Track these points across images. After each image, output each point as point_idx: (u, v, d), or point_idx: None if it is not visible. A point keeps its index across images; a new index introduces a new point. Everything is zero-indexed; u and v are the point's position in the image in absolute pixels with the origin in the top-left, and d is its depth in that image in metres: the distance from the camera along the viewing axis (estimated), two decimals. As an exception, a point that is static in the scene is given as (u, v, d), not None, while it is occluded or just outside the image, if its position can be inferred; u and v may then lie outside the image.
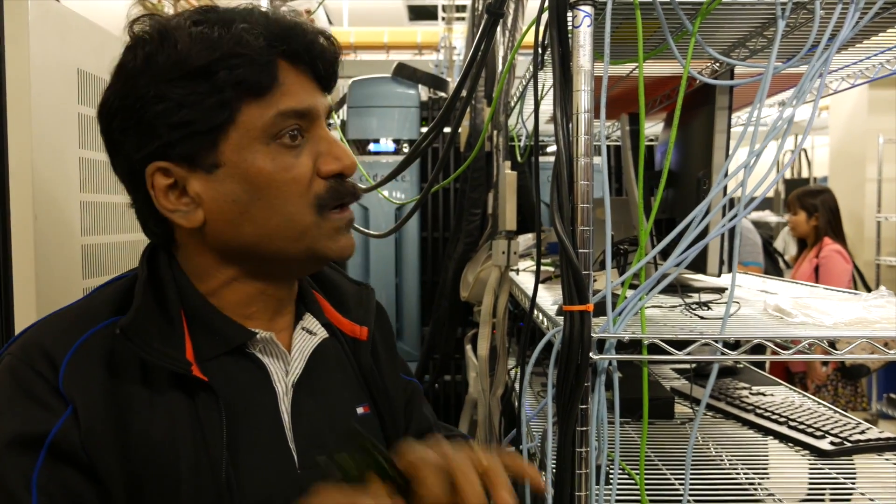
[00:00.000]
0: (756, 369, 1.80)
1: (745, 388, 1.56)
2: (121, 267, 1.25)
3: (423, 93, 2.90)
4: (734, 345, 0.91)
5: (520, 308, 2.06)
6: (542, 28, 0.98)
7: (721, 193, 0.95)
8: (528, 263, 2.00)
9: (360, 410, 0.83)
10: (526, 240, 1.92)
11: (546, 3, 0.90)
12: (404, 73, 2.78)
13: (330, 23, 5.50)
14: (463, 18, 4.57)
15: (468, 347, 2.26)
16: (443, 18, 4.40)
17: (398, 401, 0.91)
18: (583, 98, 0.87)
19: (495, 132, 2.07)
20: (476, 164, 2.13)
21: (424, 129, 2.79)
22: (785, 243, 5.29)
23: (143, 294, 0.71)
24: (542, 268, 1.95)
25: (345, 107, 2.83)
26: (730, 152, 1.21)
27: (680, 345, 0.91)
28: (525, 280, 1.67)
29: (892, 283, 4.76)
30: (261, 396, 0.74)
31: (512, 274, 1.77)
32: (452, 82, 3.13)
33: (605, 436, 0.91)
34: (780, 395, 1.54)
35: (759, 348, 0.93)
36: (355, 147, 2.82)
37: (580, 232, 0.89)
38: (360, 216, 2.70)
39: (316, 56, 0.74)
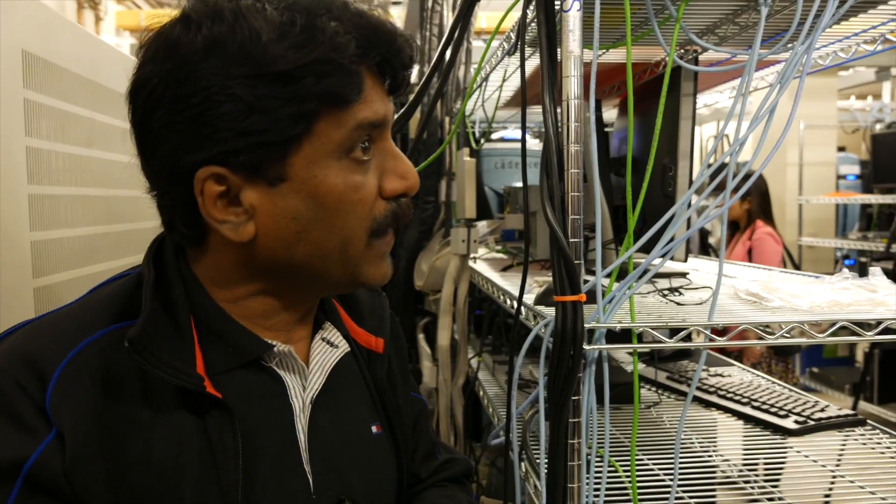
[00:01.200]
0: (710, 351, 1.85)
1: (704, 370, 1.60)
2: (78, 263, 1.16)
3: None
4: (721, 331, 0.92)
5: (477, 296, 2.05)
6: (519, 13, 0.96)
7: (706, 181, 0.96)
8: (483, 251, 1.99)
9: (373, 430, 0.78)
10: (483, 226, 1.90)
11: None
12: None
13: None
14: (399, 2, 4.51)
15: (420, 337, 2.23)
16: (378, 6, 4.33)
17: (408, 419, 0.87)
18: (573, 84, 0.86)
19: (447, 119, 2.04)
20: (428, 151, 2.10)
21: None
22: (712, 226, 5.48)
23: (153, 300, 0.64)
24: (498, 255, 1.95)
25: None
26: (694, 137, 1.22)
27: (668, 333, 0.91)
28: (484, 268, 1.66)
29: (813, 263, 5.00)
30: (276, 413, 0.68)
31: (470, 262, 1.75)
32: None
33: (596, 427, 0.91)
34: (737, 376, 1.58)
35: (742, 333, 0.94)
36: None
37: (571, 220, 0.87)
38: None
39: (401, 65, 0.66)
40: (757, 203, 3.55)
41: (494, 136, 2.73)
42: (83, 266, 1.16)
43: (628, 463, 1.08)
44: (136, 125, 0.63)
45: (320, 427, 0.71)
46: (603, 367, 0.91)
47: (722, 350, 3.43)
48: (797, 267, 3.83)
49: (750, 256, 3.44)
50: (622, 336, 0.95)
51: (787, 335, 0.93)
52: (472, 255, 1.74)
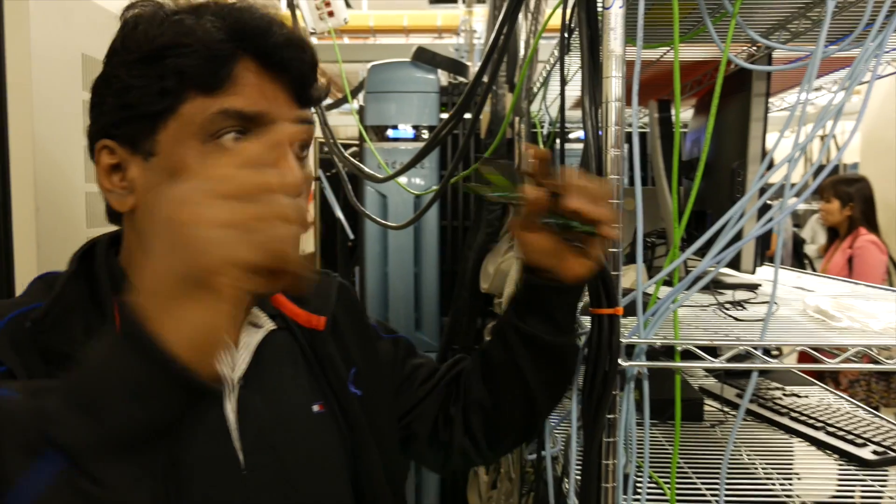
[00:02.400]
0: (795, 367, 1.73)
1: (777, 389, 1.50)
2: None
3: (443, 78, 2.83)
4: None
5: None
6: (569, 9, 0.92)
7: (759, 188, 0.89)
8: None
9: (315, 408, 0.78)
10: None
11: (574, -17, 0.84)
12: (424, 58, 2.71)
13: (349, 6, 5.45)
14: (483, 1, 4.49)
15: (487, 339, 2.20)
16: (463, 1, 4.31)
17: (379, 377, 0.87)
18: (613, 85, 0.81)
19: (517, 119, 2.00)
20: (498, 152, 2.07)
21: (444, 116, 2.72)
22: (813, 232, 5.17)
23: (64, 285, 0.69)
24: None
25: (363, 92, 2.77)
26: (766, 140, 1.14)
27: (715, 350, 0.85)
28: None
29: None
30: None
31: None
32: (473, 67, 3.06)
33: (634, 442, 0.86)
34: (815, 397, 1.47)
35: (800, 355, 0.86)
36: (373, 133, 2.76)
37: (609, 229, 0.83)
38: (378, 205, 2.64)
39: (286, 62, 0.69)
40: (860, 209, 3.31)
41: (572, 135, 2.66)
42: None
43: (677, 485, 1.02)
44: None
45: (251, 406, 0.72)
46: (644, 386, 0.86)
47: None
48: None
49: (850, 265, 3.21)
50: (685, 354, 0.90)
51: (854, 359, 0.85)
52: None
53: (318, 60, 0.73)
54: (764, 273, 1.61)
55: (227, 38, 0.67)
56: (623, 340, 0.82)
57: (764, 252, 1.46)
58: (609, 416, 0.83)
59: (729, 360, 0.84)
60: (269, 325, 0.78)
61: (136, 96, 0.67)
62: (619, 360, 0.82)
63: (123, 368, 0.47)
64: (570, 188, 0.72)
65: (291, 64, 0.70)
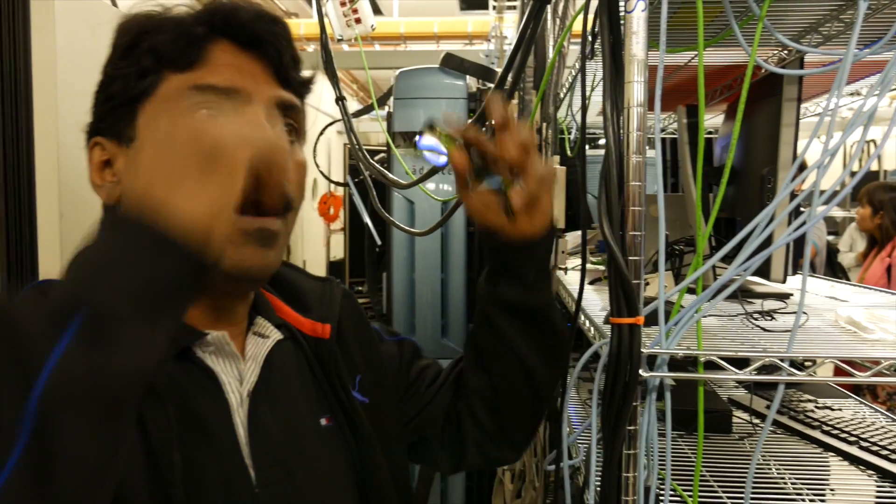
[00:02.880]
0: (824, 380, 1.68)
1: (810, 401, 1.46)
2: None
3: (472, 83, 2.82)
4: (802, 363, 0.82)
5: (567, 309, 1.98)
6: (591, 14, 0.90)
7: (789, 193, 0.86)
8: (577, 262, 1.91)
9: (322, 422, 0.76)
10: (575, 237, 1.83)
11: (596, -14, 0.83)
12: (452, 64, 2.71)
13: (379, 13, 5.47)
14: (514, 7, 4.47)
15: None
16: (493, 7, 4.30)
17: (384, 382, 0.86)
18: (636, 90, 0.79)
19: (544, 125, 1.98)
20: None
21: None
22: (852, 240, 5.04)
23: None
24: (592, 267, 1.87)
25: (391, 99, 2.78)
26: (799, 146, 1.11)
27: (741, 362, 0.83)
28: (573, 280, 1.59)
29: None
30: (213, 407, 0.67)
31: (560, 273, 1.69)
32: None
33: (656, 453, 0.84)
34: (850, 410, 1.42)
35: (836, 368, 0.83)
36: (402, 139, 2.76)
37: (631, 237, 0.81)
38: (406, 211, 2.64)
39: (258, 36, 0.70)
40: (890, 218, 3.22)
41: (601, 141, 2.64)
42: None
43: (702, 498, 1.00)
44: None
45: (261, 420, 0.70)
46: (666, 397, 0.84)
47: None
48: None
49: (889, 275, 3.12)
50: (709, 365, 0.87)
51: (887, 372, 0.81)
52: (560, 267, 1.68)
53: (294, 36, 0.75)
54: (795, 282, 1.58)
55: (199, 20, 0.69)
56: (644, 351, 0.80)
57: (796, 261, 1.43)
58: (630, 428, 0.81)
59: (755, 372, 0.82)
60: (275, 335, 0.77)
61: (118, 85, 0.68)
62: (640, 371, 0.80)
63: (119, 243, 0.48)
64: (483, 141, 0.74)
65: (264, 38, 0.70)
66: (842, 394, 1.57)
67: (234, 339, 0.72)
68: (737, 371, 0.81)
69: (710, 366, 0.84)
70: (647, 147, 0.82)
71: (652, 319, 0.83)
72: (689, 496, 0.96)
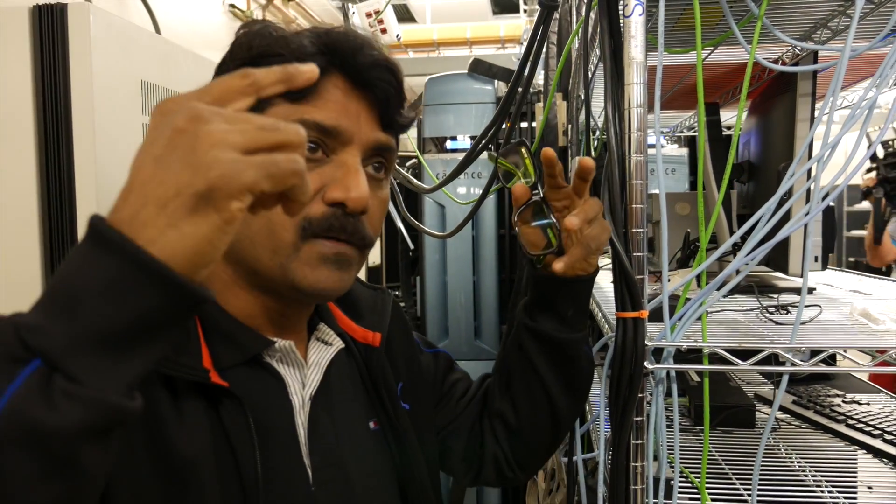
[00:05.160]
0: (854, 375, 1.66)
1: (837, 396, 1.45)
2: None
3: (501, 88, 2.85)
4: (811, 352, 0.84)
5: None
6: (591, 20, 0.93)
7: (802, 186, 0.88)
8: (606, 261, 1.92)
9: (371, 425, 0.80)
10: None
11: (596, -7, 0.86)
12: (480, 69, 2.74)
13: (414, 20, 5.53)
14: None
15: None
16: (524, 11, 4.32)
17: (423, 391, 0.89)
18: (635, 92, 0.82)
19: (569, 127, 2.00)
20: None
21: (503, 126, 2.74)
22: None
23: None
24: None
25: (422, 105, 2.82)
26: (806, 141, 1.12)
27: (747, 353, 0.85)
28: (602, 279, 1.61)
29: None
30: (278, 409, 0.71)
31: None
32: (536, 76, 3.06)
33: (664, 445, 0.86)
34: (878, 404, 1.41)
35: (836, 357, 0.85)
36: (433, 144, 2.81)
37: (633, 234, 0.84)
38: (436, 214, 2.68)
39: (372, 82, 0.70)
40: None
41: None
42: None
43: (721, 491, 1.01)
44: None
45: (320, 423, 0.73)
46: (672, 388, 0.87)
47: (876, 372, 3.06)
48: None
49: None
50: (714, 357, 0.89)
51: (892, 360, 0.82)
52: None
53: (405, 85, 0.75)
54: (820, 276, 1.57)
55: (318, 52, 0.69)
56: (649, 343, 0.83)
57: (826, 255, 1.42)
58: (637, 419, 0.83)
59: (760, 363, 0.84)
60: (337, 342, 0.80)
61: None
62: (647, 363, 0.83)
63: (95, 267, 0.45)
64: (560, 186, 0.79)
65: (377, 84, 0.71)
66: (872, 388, 1.56)
67: (297, 346, 0.76)
68: (740, 362, 0.83)
69: (718, 359, 0.86)
70: (673, 145, 0.85)
71: (660, 315, 0.86)
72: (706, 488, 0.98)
